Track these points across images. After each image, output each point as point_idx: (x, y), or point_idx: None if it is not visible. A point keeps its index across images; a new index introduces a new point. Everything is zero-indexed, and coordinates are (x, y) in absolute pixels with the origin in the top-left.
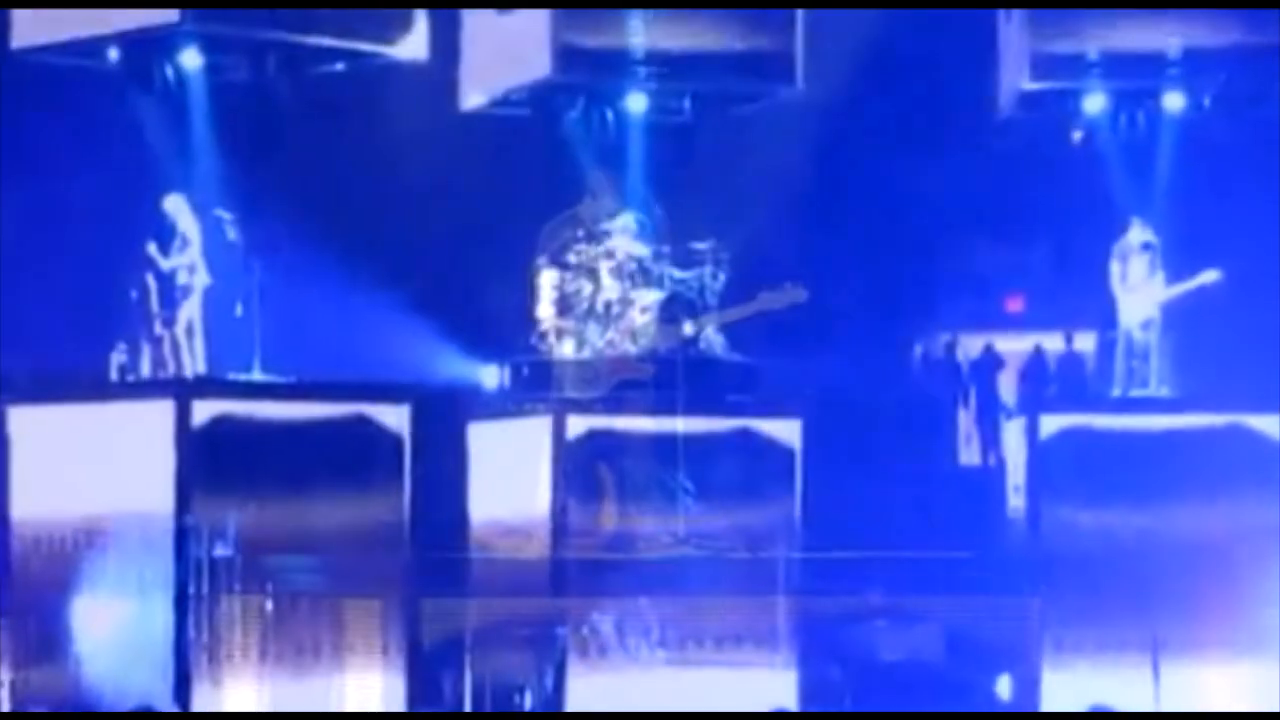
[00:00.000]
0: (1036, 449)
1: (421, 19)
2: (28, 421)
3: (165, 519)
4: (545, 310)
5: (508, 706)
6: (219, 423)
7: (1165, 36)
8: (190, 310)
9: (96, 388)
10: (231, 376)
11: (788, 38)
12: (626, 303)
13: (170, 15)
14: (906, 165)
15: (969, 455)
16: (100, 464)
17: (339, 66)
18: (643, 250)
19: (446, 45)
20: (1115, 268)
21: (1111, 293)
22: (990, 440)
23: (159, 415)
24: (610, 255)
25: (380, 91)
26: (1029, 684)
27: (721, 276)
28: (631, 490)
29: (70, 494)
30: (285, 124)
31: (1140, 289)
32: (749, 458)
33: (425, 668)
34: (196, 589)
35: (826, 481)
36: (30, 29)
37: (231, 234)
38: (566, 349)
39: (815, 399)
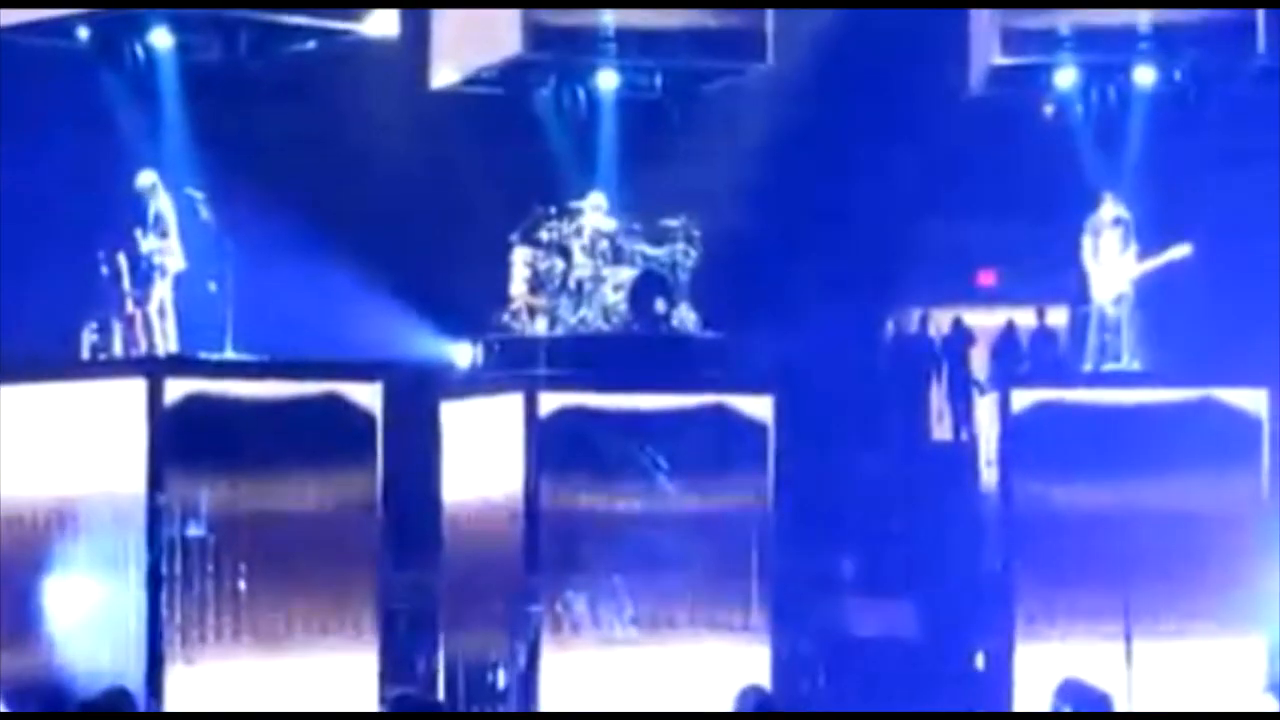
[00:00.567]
0: (1009, 423)
1: None
2: None
3: (137, 498)
4: (518, 288)
5: (481, 684)
6: (191, 401)
7: (1136, 11)
8: (163, 290)
9: (68, 367)
10: (203, 355)
11: (758, 14)
12: (599, 280)
13: None
14: (877, 140)
15: (941, 430)
16: (71, 443)
17: (310, 45)
18: (614, 227)
19: (417, 23)
20: (1087, 242)
21: (1083, 267)
22: (962, 415)
23: (131, 394)
24: (581, 233)
25: (351, 69)
26: (1002, 658)
27: (694, 253)
28: (604, 466)
29: (41, 473)
30: (256, 102)
31: (1112, 264)
32: (721, 433)
33: (398, 646)
34: (169, 568)
35: (799, 456)
36: None
37: (204, 213)
38: (539, 326)
39: (787, 375)
